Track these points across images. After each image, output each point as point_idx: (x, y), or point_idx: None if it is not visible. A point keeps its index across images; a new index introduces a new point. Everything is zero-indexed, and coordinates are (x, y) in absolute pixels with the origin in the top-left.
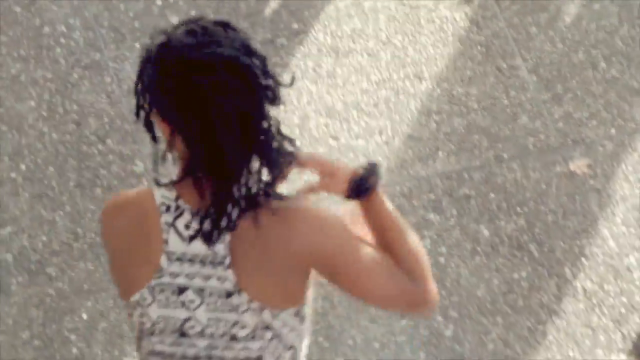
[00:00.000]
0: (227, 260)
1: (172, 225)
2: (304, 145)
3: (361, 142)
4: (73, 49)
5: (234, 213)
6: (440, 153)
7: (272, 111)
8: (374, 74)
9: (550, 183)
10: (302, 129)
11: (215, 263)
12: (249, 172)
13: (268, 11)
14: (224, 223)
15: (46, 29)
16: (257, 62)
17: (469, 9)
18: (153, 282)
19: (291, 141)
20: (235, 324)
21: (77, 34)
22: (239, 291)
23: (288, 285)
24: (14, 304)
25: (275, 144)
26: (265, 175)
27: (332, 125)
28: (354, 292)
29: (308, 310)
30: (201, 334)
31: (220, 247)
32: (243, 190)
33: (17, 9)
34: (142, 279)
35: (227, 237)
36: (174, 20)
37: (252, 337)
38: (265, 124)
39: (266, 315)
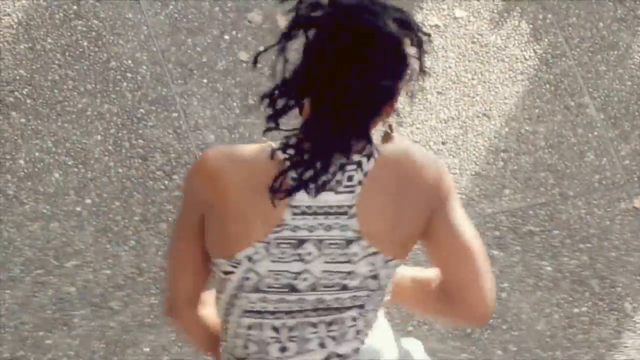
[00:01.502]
0: (353, 210)
1: (299, 179)
2: None
3: None
4: (140, 83)
5: (365, 163)
6: (506, 191)
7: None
8: (443, 112)
9: (614, 220)
10: None
11: (340, 213)
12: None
13: None
14: (350, 173)
15: (113, 63)
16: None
17: (539, 47)
18: (271, 237)
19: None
20: (348, 274)
21: (144, 68)
22: (359, 238)
23: (406, 229)
24: (76, 336)
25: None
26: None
27: None
28: (441, 245)
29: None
30: (311, 287)
31: (348, 197)
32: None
33: (85, 43)
34: (256, 234)
35: (358, 188)
36: (242, 56)
37: (361, 287)
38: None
39: (379, 262)
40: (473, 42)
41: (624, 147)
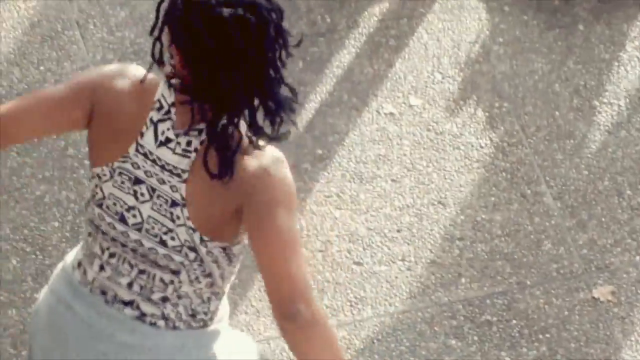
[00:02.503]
0: (186, 176)
1: (155, 123)
2: (326, 270)
3: (384, 268)
4: None
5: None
6: (463, 279)
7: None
8: (397, 200)
9: (573, 310)
10: (325, 254)
11: (173, 173)
12: (244, 113)
13: (292, 137)
14: (189, 138)
15: (70, 151)
16: (274, 14)
17: (495, 135)
18: (116, 164)
19: (294, 97)
20: (168, 231)
21: None
22: (184, 205)
23: (223, 220)
24: None
25: (277, 94)
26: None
27: (355, 250)
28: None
29: (238, 253)
30: (137, 226)
31: (185, 162)
32: (231, 129)
33: None
34: (109, 155)
35: (193, 155)
36: None
37: (178, 250)
38: (272, 72)
39: (196, 238)
40: (428, 130)
41: (581, 236)
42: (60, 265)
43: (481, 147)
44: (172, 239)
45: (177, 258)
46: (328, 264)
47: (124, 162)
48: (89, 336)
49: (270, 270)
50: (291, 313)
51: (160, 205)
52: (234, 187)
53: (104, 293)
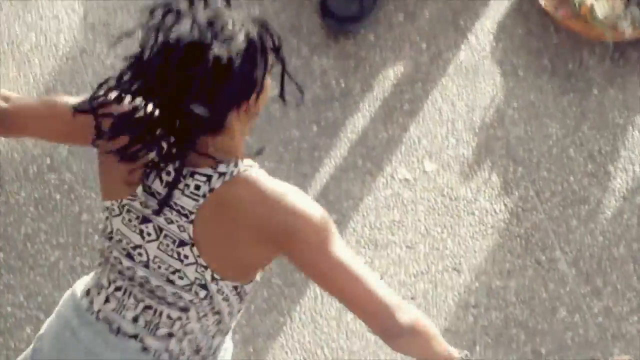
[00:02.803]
0: (193, 217)
1: (157, 164)
2: (340, 338)
3: None
4: None
5: (214, 180)
6: (477, 347)
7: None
8: (412, 266)
9: None
10: (339, 321)
11: (181, 213)
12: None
13: None
14: (197, 183)
15: (85, 216)
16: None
17: (509, 201)
18: (125, 201)
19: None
20: (176, 271)
21: None
22: (192, 245)
23: (238, 258)
24: None
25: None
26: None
27: None
28: (318, 280)
29: (250, 291)
30: (143, 264)
31: (191, 203)
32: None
33: (57, 196)
34: (119, 192)
35: (202, 200)
36: None
37: (188, 289)
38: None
39: (207, 275)
40: (443, 196)
41: (596, 304)
42: (69, 292)
43: (495, 212)
44: (181, 278)
45: (187, 296)
46: (343, 333)
47: (132, 200)
48: None
49: (350, 301)
50: (390, 329)
51: (167, 245)
52: (245, 227)
53: (109, 323)
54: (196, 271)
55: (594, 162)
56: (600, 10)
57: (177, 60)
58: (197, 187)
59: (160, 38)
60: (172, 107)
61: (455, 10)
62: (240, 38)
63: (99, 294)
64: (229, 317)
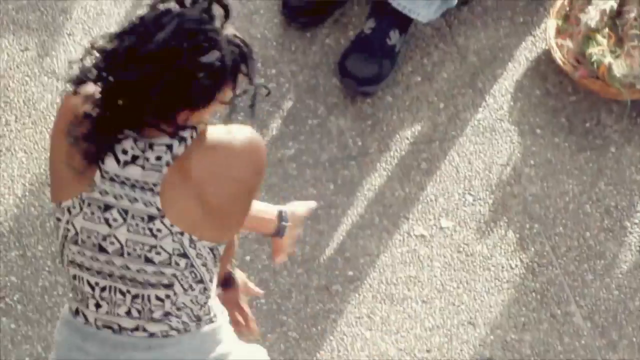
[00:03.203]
0: (158, 188)
1: (104, 147)
2: None
3: None
4: None
5: (175, 147)
6: None
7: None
8: (428, 321)
9: None
10: None
11: (145, 189)
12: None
13: (323, 258)
14: (158, 154)
15: None
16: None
17: (525, 256)
18: (84, 195)
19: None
20: (152, 247)
21: None
22: (162, 217)
23: (212, 215)
24: None
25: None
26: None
27: None
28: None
29: (222, 251)
30: (118, 252)
31: (154, 175)
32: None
33: None
34: (75, 188)
35: (165, 169)
36: None
37: (168, 263)
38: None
39: (186, 240)
40: (459, 252)
41: (612, 357)
42: (59, 324)
43: (511, 267)
44: (158, 254)
45: (168, 271)
46: None
47: (91, 191)
48: None
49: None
50: None
51: (137, 225)
52: (226, 183)
53: (109, 327)
54: (173, 241)
55: (611, 218)
56: (618, 70)
57: (148, 58)
58: (159, 158)
59: (139, 38)
60: (133, 95)
61: (473, 72)
62: (213, 56)
63: (87, 305)
64: (210, 283)
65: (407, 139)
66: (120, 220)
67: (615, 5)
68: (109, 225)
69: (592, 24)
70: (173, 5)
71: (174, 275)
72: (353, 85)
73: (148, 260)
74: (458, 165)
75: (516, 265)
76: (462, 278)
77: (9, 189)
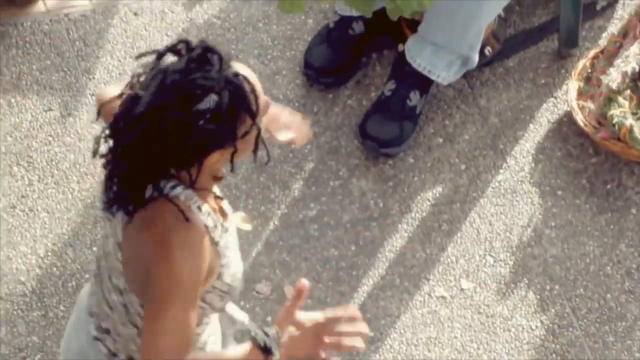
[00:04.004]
0: (126, 220)
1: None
2: None
3: None
4: None
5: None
6: None
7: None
8: None
9: None
10: None
11: (117, 227)
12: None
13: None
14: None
15: None
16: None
17: (545, 318)
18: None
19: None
20: (115, 269)
21: None
22: (120, 247)
23: (135, 275)
24: None
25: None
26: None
27: None
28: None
29: None
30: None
31: (132, 207)
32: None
33: None
34: None
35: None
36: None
37: (119, 292)
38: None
39: (121, 282)
40: (479, 313)
41: None
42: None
43: (532, 329)
44: (117, 278)
45: (113, 298)
46: None
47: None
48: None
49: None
50: None
51: (112, 245)
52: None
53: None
54: (120, 275)
55: (632, 279)
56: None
57: (140, 119)
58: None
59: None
60: (136, 155)
61: (494, 134)
62: (211, 100)
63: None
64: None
65: (429, 200)
66: (111, 232)
67: (637, 67)
68: (102, 249)
69: (614, 85)
70: (168, 60)
71: (114, 303)
72: (374, 148)
73: (109, 277)
74: (479, 227)
75: (536, 327)
76: (483, 339)
77: (32, 249)
